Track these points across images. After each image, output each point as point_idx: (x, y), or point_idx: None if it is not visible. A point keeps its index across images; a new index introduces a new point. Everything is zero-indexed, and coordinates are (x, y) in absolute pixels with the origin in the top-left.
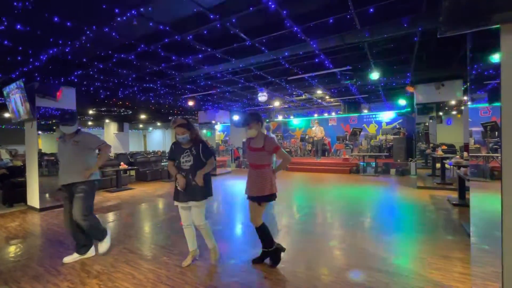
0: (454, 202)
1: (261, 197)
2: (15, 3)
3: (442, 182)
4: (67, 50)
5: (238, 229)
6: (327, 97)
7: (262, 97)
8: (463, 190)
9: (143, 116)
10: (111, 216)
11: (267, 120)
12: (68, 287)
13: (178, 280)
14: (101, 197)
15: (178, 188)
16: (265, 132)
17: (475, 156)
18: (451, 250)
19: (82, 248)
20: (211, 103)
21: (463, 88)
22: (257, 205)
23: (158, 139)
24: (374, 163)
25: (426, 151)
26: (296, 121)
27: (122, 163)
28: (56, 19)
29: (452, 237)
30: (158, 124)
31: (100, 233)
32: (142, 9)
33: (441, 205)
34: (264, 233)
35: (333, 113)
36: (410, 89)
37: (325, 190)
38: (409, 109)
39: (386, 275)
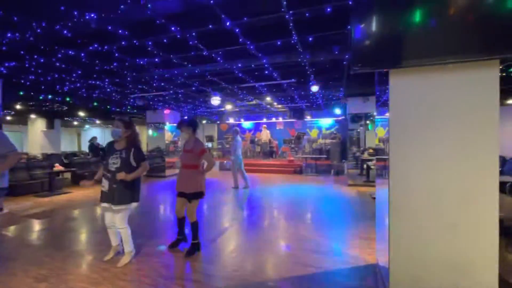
0: (373, 196)
1: (191, 193)
2: None
3: (367, 180)
4: (3, 41)
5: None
6: (275, 103)
7: (216, 101)
8: None
9: (81, 113)
10: (45, 223)
11: (218, 122)
12: None
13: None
14: (31, 203)
15: (102, 189)
16: (235, 135)
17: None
18: (369, 233)
19: None
20: (162, 103)
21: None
22: (186, 201)
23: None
24: (314, 164)
25: (356, 154)
26: (246, 124)
27: (56, 164)
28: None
29: (371, 223)
30: (97, 122)
31: None
32: (102, 14)
33: (365, 199)
34: (195, 228)
35: (280, 118)
36: (343, 100)
37: (272, 188)
38: (343, 117)
39: (320, 254)
